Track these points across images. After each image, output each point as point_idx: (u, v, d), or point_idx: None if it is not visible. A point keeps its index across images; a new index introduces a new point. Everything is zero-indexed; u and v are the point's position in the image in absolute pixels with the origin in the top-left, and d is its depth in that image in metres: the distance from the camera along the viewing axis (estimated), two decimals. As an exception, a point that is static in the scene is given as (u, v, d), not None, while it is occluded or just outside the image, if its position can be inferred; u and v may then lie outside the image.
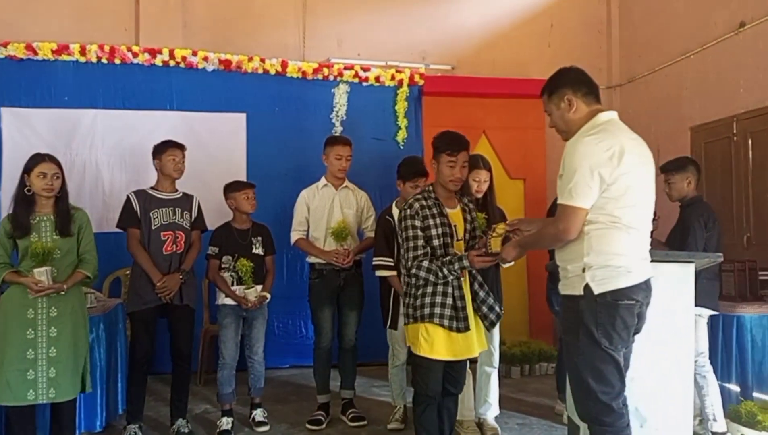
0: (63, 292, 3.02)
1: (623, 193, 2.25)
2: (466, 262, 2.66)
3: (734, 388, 3.73)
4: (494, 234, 2.63)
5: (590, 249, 2.27)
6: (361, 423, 3.85)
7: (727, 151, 5.25)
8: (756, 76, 4.97)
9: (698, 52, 5.58)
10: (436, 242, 2.74)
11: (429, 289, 2.75)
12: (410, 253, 2.75)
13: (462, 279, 2.77)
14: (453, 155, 2.78)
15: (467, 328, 2.73)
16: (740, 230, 5.04)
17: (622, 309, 2.25)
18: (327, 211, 3.91)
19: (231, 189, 3.89)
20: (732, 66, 5.22)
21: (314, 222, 3.95)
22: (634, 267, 2.28)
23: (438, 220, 2.77)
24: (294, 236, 3.98)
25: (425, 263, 2.71)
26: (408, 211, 2.79)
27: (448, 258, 2.71)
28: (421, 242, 2.74)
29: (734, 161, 5.18)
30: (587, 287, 2.27)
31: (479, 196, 3.56)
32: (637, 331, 2.37)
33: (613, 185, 2.24)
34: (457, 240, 2.80)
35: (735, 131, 5.17)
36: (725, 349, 3.74)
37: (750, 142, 5.04)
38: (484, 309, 2.82)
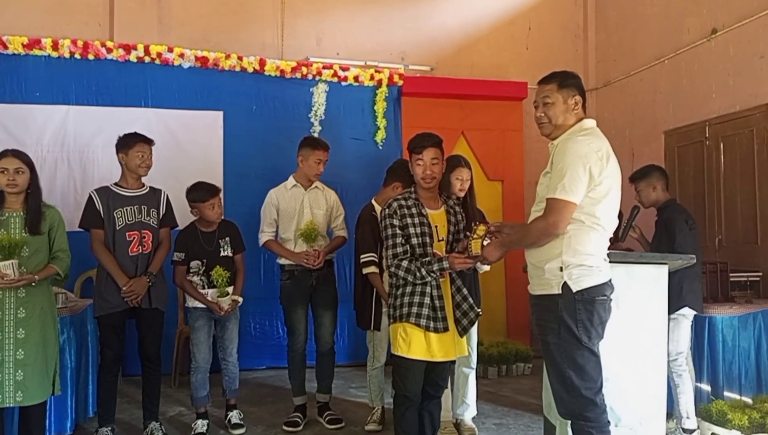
0: (34, 283, 2.93)
1: (605, 194, 2.35)
2: (446, 264, 2.66)
3: (705, 387, 3.80)
4: (474, 235, 2.63)
5: (568, 247, 2.34)
6: (339, 425, 3.82)
7: (700, 155, 5.35)
8: (727, 81, 5.08)
9: (671, 58, 5.68)
10: (414, 241, 2.75)
11: (408, 289, 2.75)
12: (390, 252, 2.78)
13: (442, 280, 2.77)
14: (418, 153, 2.80)
15: (446, 329, 2.72)
16: (712, 232, 5.14)
17: (598, 305, 2.34)
18: (297, 212, 3.83)
19: (194, 198, 3.65)
20: (704, 72, 5.33)
21: (284, 223, 3.85)
22: (603, 266, 2.40)
23: (417, 220, 2.77)
24: (263, 238, 3.88)
25: (404, 263, 2.71)
26: (387, 210, 2.82)
27: (427, 259, 2.71)
28: (399, 240, 2.75)
29: (706, 165, 5.28)
30: (565, 285, 2.33)
31: (462, 194, 3.56)
32: None
33: (599, 186, 2.33)
34: (438, 240, 2.79)
35: (707, 135, 5.27)
36: (697, 349, 3.81)
37: (722, 146, 5.14)
38: (458, 314, 2.81)
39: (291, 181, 3.92)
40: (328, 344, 3.88)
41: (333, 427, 3.82)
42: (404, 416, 2.77)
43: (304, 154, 3.86)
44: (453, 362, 3.28)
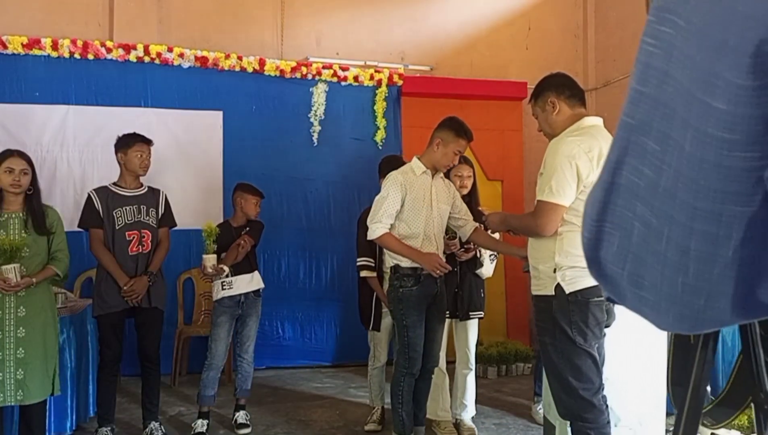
0: (33, 286, 2.96)
1: None
2: None
3: (705, 387, 3.80)
4: None
5: (561, 249, 2.33)
6: None
7: (699, 154, 5.36)
8: (727, 81, 5.08)
9: (672, 58, 5.69)
10: None
11: None
12: None
13: None
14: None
15: None
16: (711, 232, 5.14)
17: (593, 306, 2.30)
18: (425, 205, 3.05)
19: (243, 189, 3.83)
20: (704, 71, 5.33)
21: (409, 216, 3.03)
22: None
23: None
24: (380, 230, 2.98)
25: None
26: None
27: None
28: None
29: (706, 165, 5.29)
30: (558, 287, 2.32)
31: (464, 192, 3.56)
32: (607, 326, 2.42)
33: (589, 188, 2.28)
34: None
35: (707, 135, 5.28)
36: (697, 348, 3.81)
37: (721, 146, 5.14)
38: None
39: (419, 165, 3.10)
40: (438, 363, 3.26)
41: None
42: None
43: (445, 138, 3.06)
44: (453, 361, 3.27)
